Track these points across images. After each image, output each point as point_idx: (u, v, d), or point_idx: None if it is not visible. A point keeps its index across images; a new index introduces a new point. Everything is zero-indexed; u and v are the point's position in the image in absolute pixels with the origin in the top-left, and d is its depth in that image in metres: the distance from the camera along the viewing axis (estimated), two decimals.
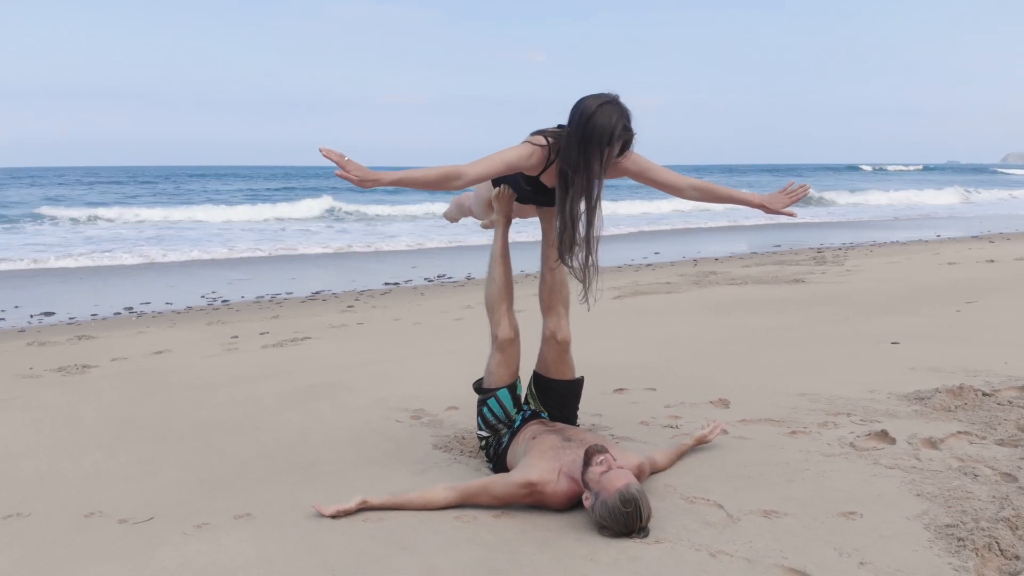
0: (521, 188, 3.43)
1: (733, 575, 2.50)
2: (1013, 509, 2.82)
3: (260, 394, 4.98)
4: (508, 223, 3.63)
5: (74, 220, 22.59)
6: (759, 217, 24.21)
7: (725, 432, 3.87)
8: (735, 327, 6.65)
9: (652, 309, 7.90)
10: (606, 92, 3.04)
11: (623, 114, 3.01)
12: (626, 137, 3.04)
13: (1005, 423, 3.81)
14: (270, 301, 9.75)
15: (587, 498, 2.86)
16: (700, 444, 3.61)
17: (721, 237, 17.86)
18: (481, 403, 3.45)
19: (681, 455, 3.52)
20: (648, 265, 12.63)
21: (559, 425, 3.35)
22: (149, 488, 3.42)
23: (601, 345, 6.12)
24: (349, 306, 8.95)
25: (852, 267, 10.75)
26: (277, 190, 39.86)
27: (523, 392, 3.59)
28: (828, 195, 33.20)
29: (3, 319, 8.88)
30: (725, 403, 4.39)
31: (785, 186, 3.50)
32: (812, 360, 5.28)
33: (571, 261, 3.17)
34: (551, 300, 3.55)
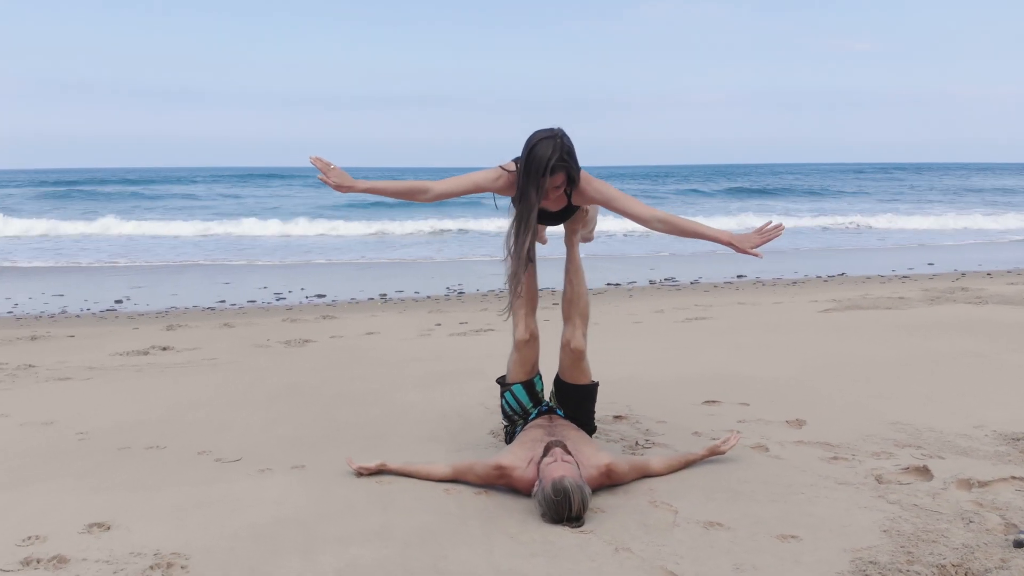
0: None
1: (615, 569, 2.70)
2: (962, 558, 2.67)
3: (407, 375, 5.76)
4: (533, 236, 3.97)
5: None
6: None
7: (766, 449, 3.88)
8: (916, 348, 6.20)
9: (850, 324, 7.51)
10: (551, 128, 3.33)
11: (559, 147, 3.26)
12: (563, 168, 3.28)
13: None
14: (497, 294, 10.66)
15: (536, 485, 3.18)
16: (713, 455, 3.69)
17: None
18: (501, 396, 3.85)
19: (688, 464, 3.64)
20: (902, 277, 11.68)
21: (560, 422, 3.65)
22: (257, 438, 4.29)
23: (746, 357, 6.08)
24: (555, 303, 9.54)
25: None
26: None
27: (546, 390, 3.92)
28: None
29: (284, 298, 10.74)
30: (801, 423, 4.31)
31: (762, 225, 3.46)
32: (950, 388, 4.89)
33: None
34: (569, 311, 3.84)
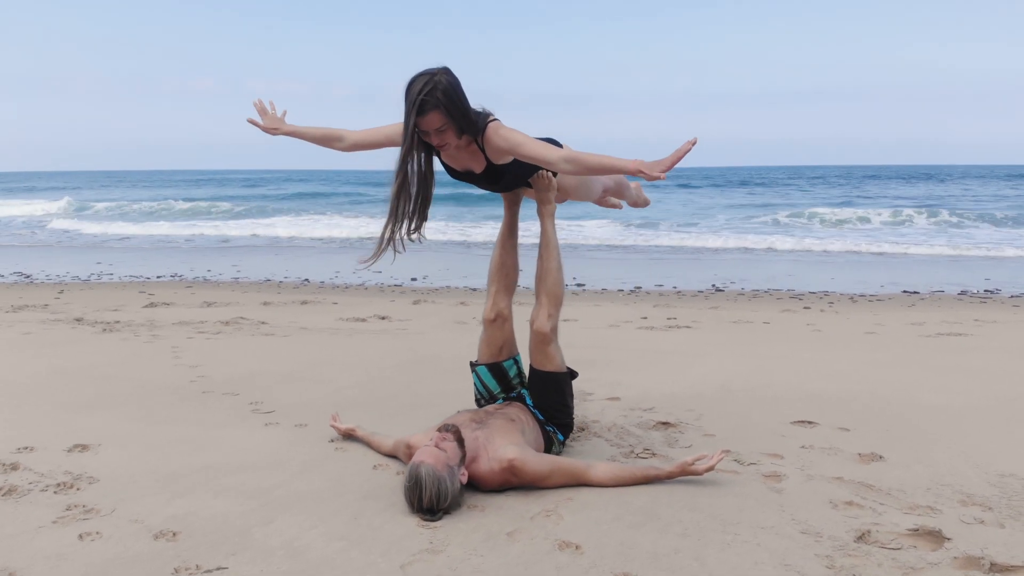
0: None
1: (387, 565, 2.41)
2: None
3: None
4: (511, 207, 3.62)
5: None
6: None
7: (777, 480, 3.12)
8: None
9: None
10: (434, 66, 2.92)
11: (430, 83, 2.87)
12: (434, 105, 2.88)
13: None
14: (751, 295, 9.76)
15: None
16: (686, 475, 3.05)
17: None
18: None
19: (647, 480, 3.10)
20: None
21: (506, 410, 3.32)
22: (321, 398, 4.49)
23: (937, 380, 4.89)
24: (806, 307, 8.47)
25: None
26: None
27: (520, 373, 3.61)
28: None
29: (582, 286, 10.88)
30: (874, 458, 3.41)
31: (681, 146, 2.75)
32: None
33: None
34: (537, 288, 3.50)
